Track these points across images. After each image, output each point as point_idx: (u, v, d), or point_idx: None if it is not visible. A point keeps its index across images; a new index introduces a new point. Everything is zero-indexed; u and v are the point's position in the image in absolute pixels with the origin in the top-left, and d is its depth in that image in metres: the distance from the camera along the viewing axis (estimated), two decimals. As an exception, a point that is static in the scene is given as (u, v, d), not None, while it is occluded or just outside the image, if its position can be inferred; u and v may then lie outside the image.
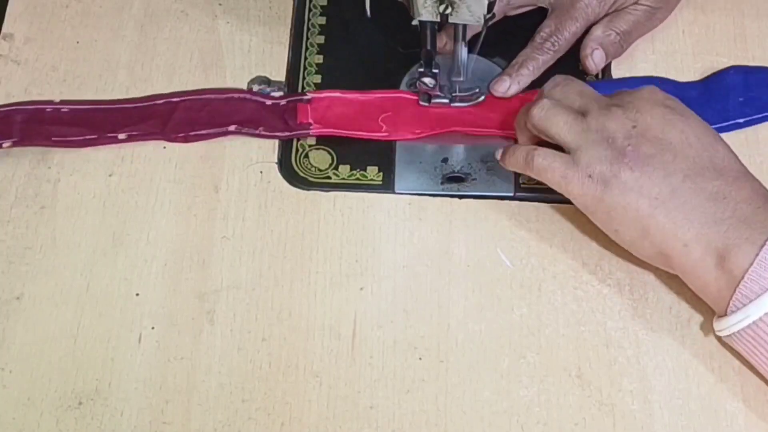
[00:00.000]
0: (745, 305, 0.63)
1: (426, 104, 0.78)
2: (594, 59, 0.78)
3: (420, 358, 0.69)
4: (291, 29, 0.82)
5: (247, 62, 0.81)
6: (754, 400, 0.67)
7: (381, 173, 0.76)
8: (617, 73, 0.80)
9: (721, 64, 0.80)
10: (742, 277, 0.62)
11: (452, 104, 0.78)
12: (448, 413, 0.67)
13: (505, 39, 0.80)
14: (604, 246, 0.72)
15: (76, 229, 0.74)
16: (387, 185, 0.75)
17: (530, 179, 0.73)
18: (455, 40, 0.74)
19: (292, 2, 0.84)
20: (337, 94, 0.78)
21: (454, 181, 0.75)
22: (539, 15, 0.81)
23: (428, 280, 0.72)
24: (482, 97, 0.78)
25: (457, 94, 0.78)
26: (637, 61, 0.80)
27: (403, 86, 0.79)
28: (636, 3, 0.78)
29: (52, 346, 0.70)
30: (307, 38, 0.82)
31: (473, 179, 0.76)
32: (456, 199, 0.75)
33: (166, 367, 0.69)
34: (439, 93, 0.77)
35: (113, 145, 0.77)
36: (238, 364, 0.69)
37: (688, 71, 0.80)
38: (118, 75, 0.80)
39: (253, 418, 0.67)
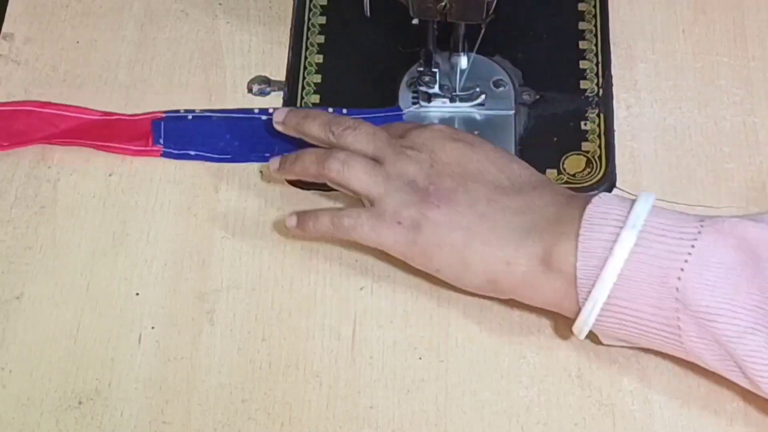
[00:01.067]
0: (593, 285, 0.62)
1: (427, 104, 0.78)
2: None
3: (420, 358, 0.69)
4: (291, 29, 0.82)
5: (247, 62, 0.81)
6: (754, 400, 0.67)
7: (381, 173, 0.76)
8: (618, 72, 0.79)
9: (721, 64, 0.80)
10: (575, 270, 0.63)
11: (452, 104, 0.78)
12: (448, 413, 0.67)
13: (505, 38, 0.80)
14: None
15: (76, 229, 0.74)
16: (387, 185, 0.75)
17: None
18: (455, 39, 0.74)
19: (292, 2, 0.84)
20: None
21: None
22: (540, 15, 0.81)
23: (428, 279, 0.72)
24: (482, 97, 0.78)
25: (457, 93, 0.78)
26: (637, 61, 0.80)
27: (403, 86, 0.79)
28: None
29: (52, 346, 0.70)
30: (307, 38, 0.82)
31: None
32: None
33: (166, 367, 0.69)
34: (439, 93, 0.77)
35: (113, 145, 0.77)
36: (238, 364, 0.69)
37: (688, 71, 0.80)
38: (118, 75, 0.80)
39: (253, 418, 0.67)
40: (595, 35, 0.81)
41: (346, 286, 0.71)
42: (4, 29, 0.82)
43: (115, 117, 0.77)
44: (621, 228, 0.62)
